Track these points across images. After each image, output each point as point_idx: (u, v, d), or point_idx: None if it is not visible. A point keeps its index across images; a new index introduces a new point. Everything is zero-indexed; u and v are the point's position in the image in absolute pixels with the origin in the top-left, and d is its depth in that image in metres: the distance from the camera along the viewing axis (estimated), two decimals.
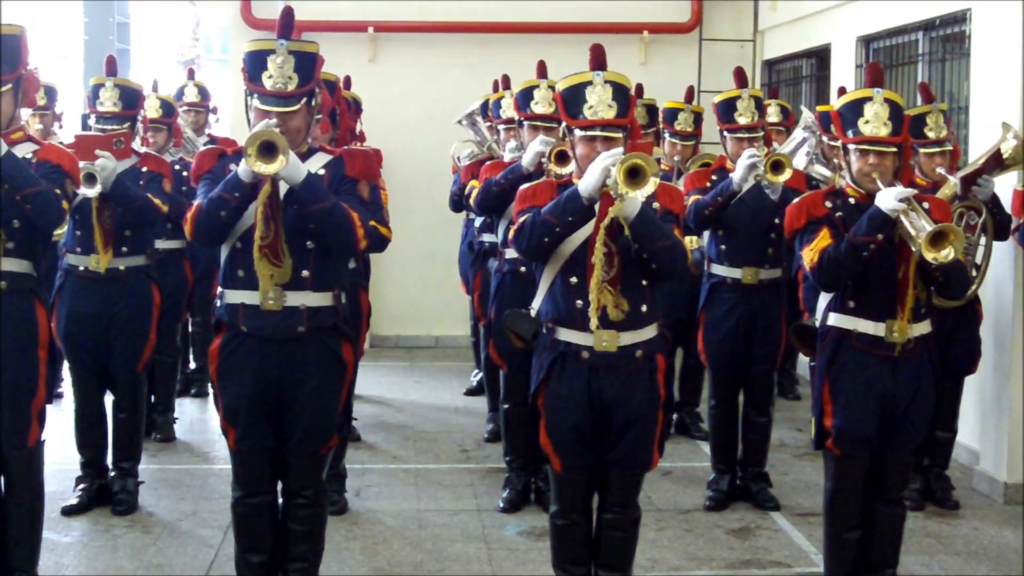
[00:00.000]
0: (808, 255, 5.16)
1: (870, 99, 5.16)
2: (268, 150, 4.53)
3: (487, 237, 8.13)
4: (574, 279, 4.77)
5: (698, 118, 8.59)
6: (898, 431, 5.27)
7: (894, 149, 5.16)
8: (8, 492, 5.32)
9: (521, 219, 4.79)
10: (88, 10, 12.61)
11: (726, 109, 7.05)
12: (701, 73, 12.04)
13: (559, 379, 4.83)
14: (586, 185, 4.61)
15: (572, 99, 4.81)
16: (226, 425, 4.99)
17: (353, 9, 12.02)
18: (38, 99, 7.56)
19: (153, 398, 8.19)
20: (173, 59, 30.19)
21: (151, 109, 7.93)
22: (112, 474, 6.88)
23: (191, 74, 10.23)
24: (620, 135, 4.78)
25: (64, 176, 5.27)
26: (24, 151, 5.23)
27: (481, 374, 9.46)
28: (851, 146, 5.20)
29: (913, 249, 4.98)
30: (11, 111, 5.24)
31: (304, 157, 4.86)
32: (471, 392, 10.04)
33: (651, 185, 4.48)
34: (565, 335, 4.81)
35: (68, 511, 6.71)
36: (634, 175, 4.48)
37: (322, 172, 4.91)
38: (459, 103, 9.64)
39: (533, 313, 4.94)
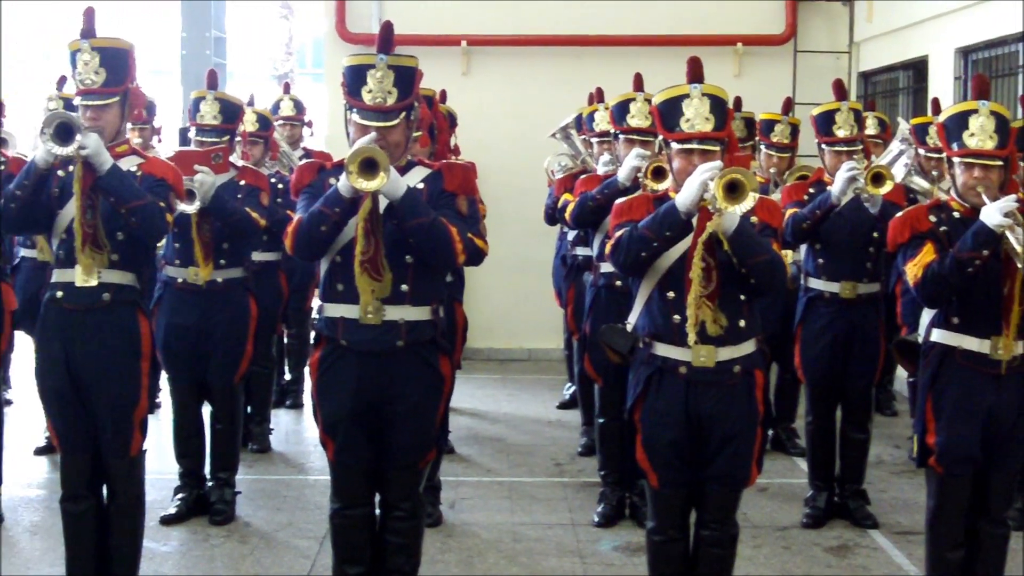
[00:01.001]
0: (912, 270, 5.07)
1: (975, 111, 5.06)
2: (369, 167, 4.55)
3: (581, 251, 8.12)
4: (671, 293, 4.74)
5: (795, 130, 8.51)
6: (1002, 449, 5.16)
7: (1000, 163, 5.05)
8: (111, 501, 5.40)
9: (618, 233, 4.77)
10: (186, 25, 12.78)
11: (824, 121, 6.97)
12: (796, 85, 11.94)
13: (656, 394, 4.81)
14: (684, 200, 4.58)
15: (669, 112, 4.79)
16: (325, 438, 5.01)
17: (447, 23, 12.08)
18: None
19: (249, 409, 8.26)
20: (266, 73, 30.57)
21: (248, 123, 8.00)
22: (210, 484, 6.96)
23: (287, 88, 10.35)
24: (717, 148, 4.74)
25: (168, 190, 5.34)
26: (129, 164, 5.31)
27: (574, 387, 9.44)
28: (956, 159, 5.10)
29: (1019, 265, 4.88)
30: (117, 125, 5.33)
31: (403, 171, 4.87)
32: (564, 405, 10.02)
33: (750, 200, 4.45)
34: (662, 350, 4.78)
35: (167, 520, 6.79)
36: (733, 190, 4.44)
37: (421, 186, 4.92)
38: (552, 116, 9.64)
39: (630, 328, 4.92)
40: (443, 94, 7.58)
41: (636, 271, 4.84)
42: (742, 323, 4.76)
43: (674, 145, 4.78)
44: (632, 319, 4.92)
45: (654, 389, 4.82)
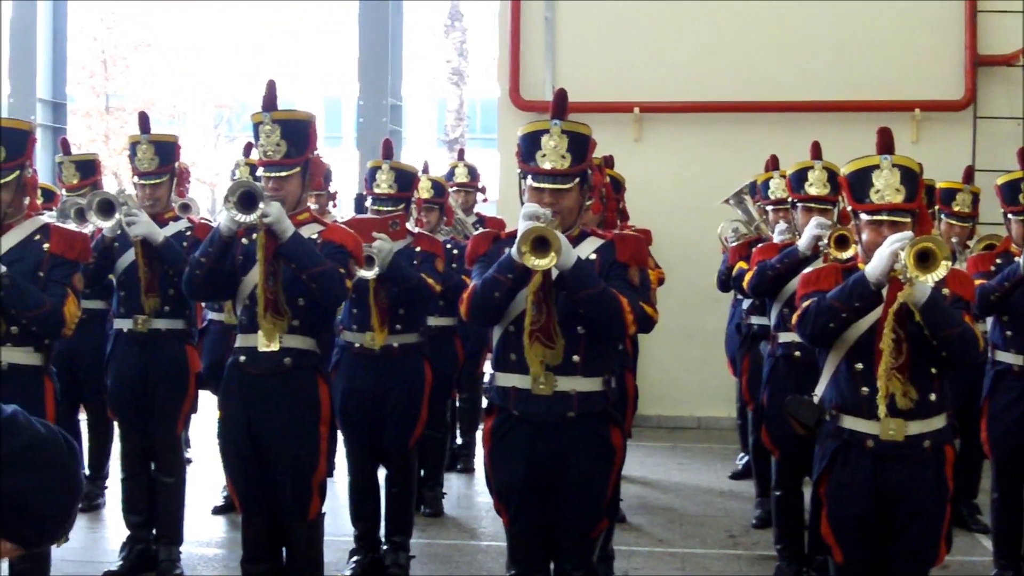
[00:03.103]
0: None
1: None
2: (541, 245, 4.56)
3: (756, 319, 8.01)
4: (860, 365, 4.64)
5: (975, 198, 8.29)
6: None
7: None
8: (289, 563, 5.48)
9: (805, 303, 4.70)
10: (364, 93, 13.06)
11: (1010, 191, 6.76)
12: (976, 151, 11.66)
13: (843, 468, 4.70)
14: (874, 270, 4.49)
15: (858, 183, 4.71)
16: (499, 506, 5.01)
17: (619, 90, 12.11)
18: None
19: (422, 473, 8.31)
20: (436, 137, 31.08)
21: (423, 190, 8.10)
22: (384, 547, 7.00)
23: (461, 155, 10.48)
24: (908, 220, 4.65)
25: (348, 256, 5.44)
26: (310, 231, 5.43)
27: (747, 457, 9.29)
28: None
29: None
30: (298, 193, 5.47)
31: (576, 241, 4.87)
32: (737, 476, 9.86)
33: (943, 268, 4.34)
34: (849, 423, 4.68)
35: None
36: (925, 259, 4.34)
37: (593, 257, 4.92)
38: (724, 183, 9.58)
39: (816, 399, 4.83)
40: (609, 159, 7.59)
41: (823, 342, 4.76)
42: (933, 397, 4.64)
43: (863, 216, 4.71)
44: (818, 391, 4.83)
45: (840, 463, 4.72)
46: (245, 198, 5.10)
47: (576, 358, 4.80)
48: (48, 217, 6.27)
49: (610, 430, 4.95)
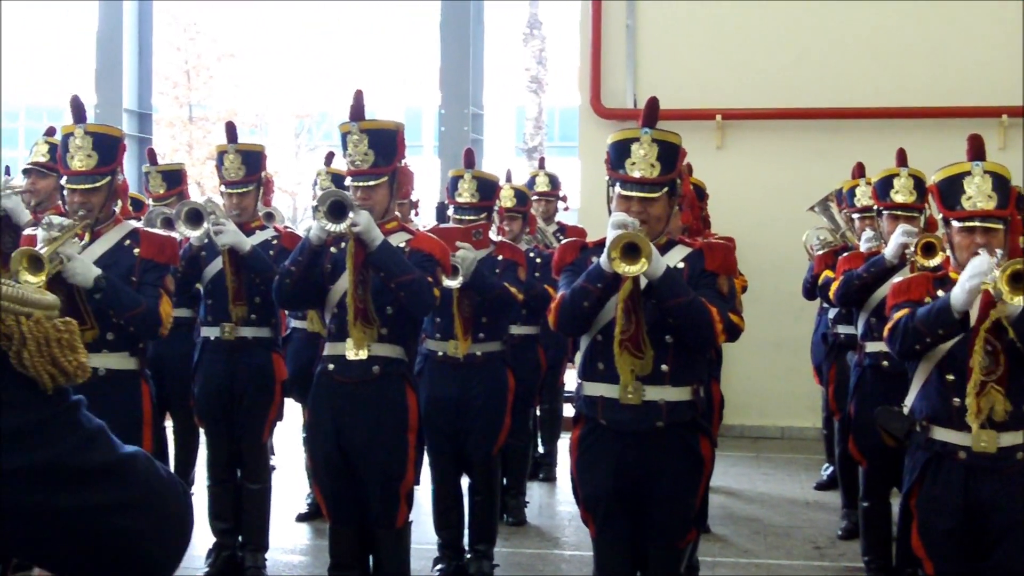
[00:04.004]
0: None
1: None
2: (631, 251, 4.54)
3: (843, 328, 7.93)
4: (951, 376, 4.58)
5: None
6: None
7: None
8: (376, 571, 5.53)
9: (896, 315, 4.65)
10: (445, 102, 13.11)
11: None
12: None
13: (933, 480, 4.65)
14: (958, 301, 4.44)
15: (949, 190, 4.66)
16: (586, 515, 5.01)
17: (701, 97, 12.04)
18: None
19: (505, 481, 8.31)
20: (515, 145, 31.11)
21: (506, 199, 8.10)
22: (468, 556, 7.01)
23: (542, 163, 10.48)
24: (1000, 226, 4.60)
25: (435, 265, 5.47)
26: (398, 240, 5.47)
27: (832, 468, 9.20)
28: None
29: None
30: (386, 203, 5.50)
31: (664, 250, 4.86)
32: (822, 486, 9.75)
33: None
34: (940, 434, 4.62)
35: None
36: (1019, 279, 4.26)
37: (682, 265, 4.90)
38: (809, 190, 9.50)
39: (906, 410, 4.77)
40: (689, 167, 7.54)
41: (913, 359, 4.71)
42: None
43: (954, 224, 4.65)
44: (908, 401, 4.78)
45: (931, 475, 4.66)
46: (335, 207, 5.14)
47: (665, 367, 4.79)
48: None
49: (699, 440, 4.93)
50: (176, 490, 1.76)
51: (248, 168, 6.87)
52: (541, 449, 9.93)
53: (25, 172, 7.36)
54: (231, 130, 7.00)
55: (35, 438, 1.54)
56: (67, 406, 1.60)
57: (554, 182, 10.07)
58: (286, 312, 8.04)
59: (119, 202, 5.71)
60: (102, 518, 1.61)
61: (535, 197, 9.64)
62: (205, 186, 28.17)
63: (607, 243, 4.59)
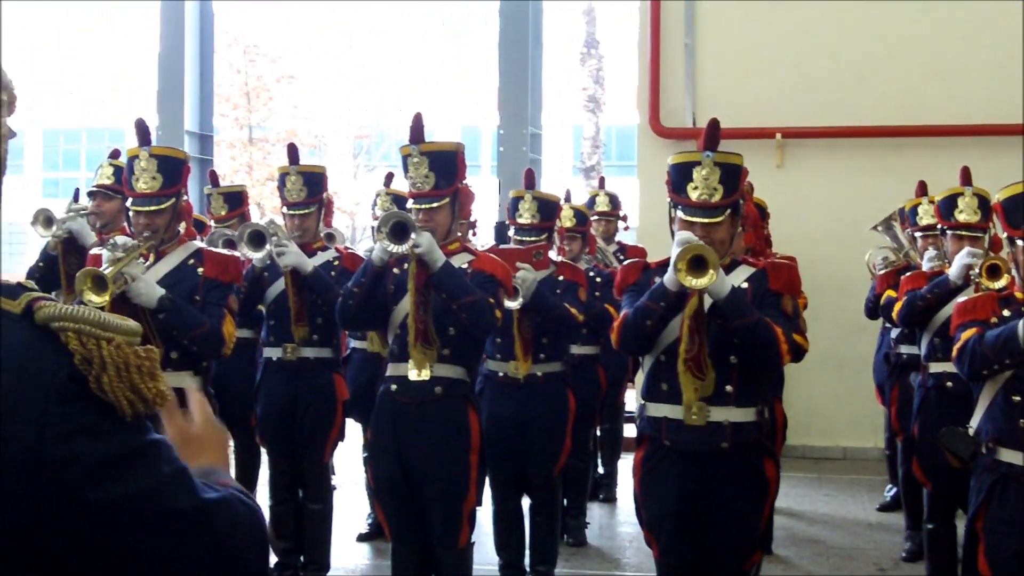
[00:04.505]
0: None
1: None
2: (698, 264, 4.53)
3: (906, 348, 7.86)
4: (1017, 397, 4.52)
5: None
6: None
7: None
8: None
9: (964, 336, 4.59)
10: (504, 122, 13.13)
11: None
12: None
13: (1001, 502, 4.58)
14: None
15: (1015, 209, 4.60)
16: (649, 537, 4.98)
17: (761, 116, 11.97)
18: None
19: (565, 502, 8.28)
20: (572, 165, 31.12)
21: (565, 219, 8.09)
22: None
23: (602, 183, 10.47)
24: None
25: (497, 286, 5.47)
26: (460, 261, 5.48)
27: (896, 489, 9.11)
28: None
29: None
30: (448, 224, 5.51)
31: (728, 270, 4.84)
32: (885, 508, 9.65)
33: None
34: (1007, 455, 4.56)
35: None
36: None
37: (746, 286, 4.88)
38: (871, 209, 9.44)
39: (971, 431, 4.71)
40: (750, 186, 7.51)
41: (981, 381, 4.65)
42: None
43: (1019, 243, 4.60)
44: (974, 422, 4.72)
45: (998, 497, 4.59)
46: (397, 228, 5.16)
47: (729, 388, 4.76)
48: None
49: (764, 461, 4.90)
50: (255, 538, 1.75)
51: (310, 190, 6.91)
52: (601, 469, 9.89)
53: (91, 194, 7.44)
54: (293, 152, 7.05)
55: (114, 471, 1.55)
56: (148, 442, 1.60)
57: (614, 202, 10.06)
58: (346, 332, 8.07)
59: (183, 223, 5.77)
60: (171, 564, 1.61)
61: (595, 217, 9.62)
62: (265, 207, 28.40)
63: (672, 259, 4.58)
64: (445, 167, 5.48)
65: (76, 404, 1.52)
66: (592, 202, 9.94)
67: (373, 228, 8.73)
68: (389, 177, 8.99)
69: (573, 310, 6.79)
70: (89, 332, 1.53)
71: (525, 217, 7.07)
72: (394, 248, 5.16)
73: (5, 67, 1.72)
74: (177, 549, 1.60)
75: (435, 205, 5.44)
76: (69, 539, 1.54)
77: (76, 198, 7.42)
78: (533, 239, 6.98)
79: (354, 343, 8.40)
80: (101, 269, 5.18)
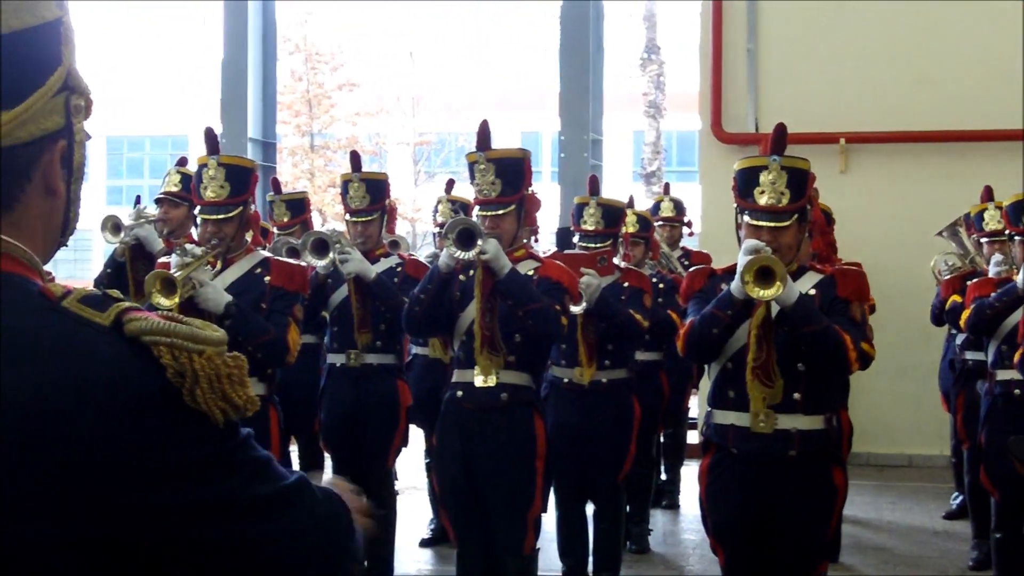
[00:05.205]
0: None
1: None
2: (766, 275, 4.51)
3: (971, 355, 7.78)
4: None
5: None
6: None
7: None
8: None
9: None
10: (565, 128, 13.12)
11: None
12: None
13: None
14: None
15: None
16: (715, 545, 4.96)
17: (824, 121, 11.89)
18: None
19: (628, 508, 8.25)
20: (632, 171, 31.06)
21: (629, 224, 8.07)
22: None
23: (666, 189, 10.46)
24: None
25: (563, 292, 5.47)
26: (526, 268, 5.48)
27: (962, 497, 9.01)
28: None
29: None
30: (514, 230, 5.52)
31: (795, 276, 4.81)
32: (951, 516, 9.55)
33: None
34: None
35: None
36: None
37: (813, 292, 4.85)
38: (936, 214, 9.36)
39: None
40: (816, 192, 7.46)
41: None
42: None
43: None
44: None
45: None
46: (464, 235, 5.17)
47: (797, 396, 4.74)
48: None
49: (832, 469, 4.86)
50: (340, 520, 1.78)
51: (372, 197, 6.94)
52: (664, 476, 9.86)
53: (158, 201, 7.50)
54: (356, 159, 7.08)
55: (209, 472, 1.57)
56: (239, 441, 1.62)
57: (679, 207, 10.03)
58: (408, 338, 8.10)
59: (251, 232, 5.81)
60: (264, 549, 1.63)
61: (659, 223, 9.60)
62: (326, 214, 28.55)
63: (739, 268, 4.56)
64: (511, 174, 5.49)
65: (170, 416, 1.53)
66: (656, 208, 9.92)
67: (435, 234, 8.80)
68: (450, 183, 9.02)
69: (638, 316, 6.76)
70: (181, 346, 1.54)
71: (590, 224, 7.05)
72: (461, 254, 5.17)
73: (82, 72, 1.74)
74: (270, 534, 1.62)
75: (501, 212, 5.45)
76: (168, 547, 1.56)
77: (138, 204, 7.48)
78: (598, 245, 6.96)
79: (416, 349, 8.42)
80: (171, 272, 5.22)
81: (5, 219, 1.64)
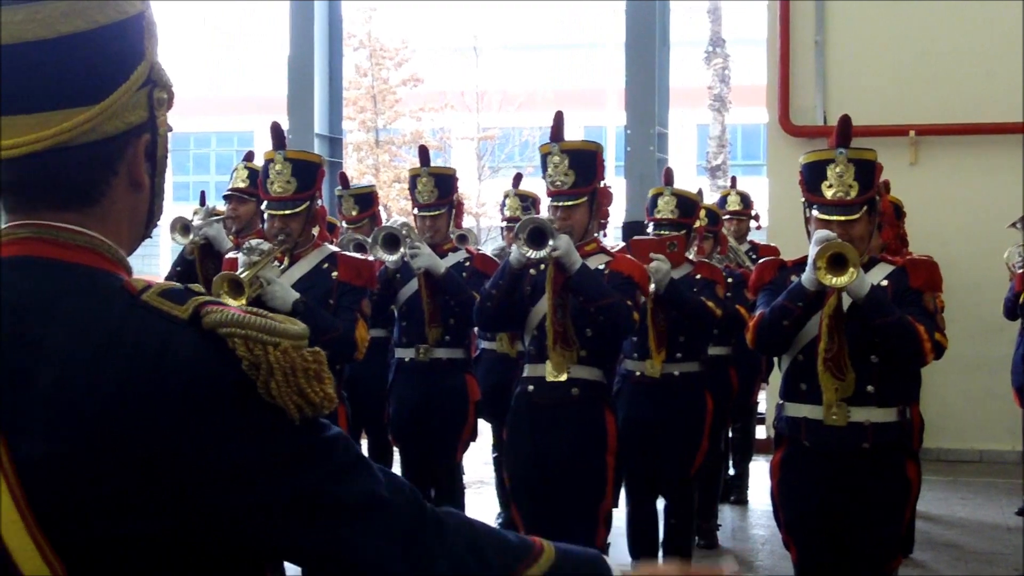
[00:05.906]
0: None
1: None
2: (838, 262, 4.47)
3: None
4: None
5: None
6: None
7: None
8: None
9: None
10: (631, 122, 13.07)
11: None
12: None
13: None
14: None
15: None
16: (788, 539, 4.93)
17: (894, 112, 11.77)
18: None
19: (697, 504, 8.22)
20: (697, 164, 30.92)
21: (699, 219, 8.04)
22: None
23: (734, 183, 10.43)
24: None
25: (635, 287, 5.44)
26: (597, 262, 5.47)
27: None
28: None
29: None
30: (585, 223, 5.51)
31: (866, 268, 4.77)
32: (1023, 512, 9.44)
33: None
34: None
35: None
36: None
37: (885, 283, 4.81)
38: (1009, 207, 9.27)
39: None
40: (886, 184, 7.38)
41: None
42: None
43: None
44: None
45: None
46: (535, 234, 5.17)
47: (870, 388, 4.70)
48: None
49: (905, 462, 4.82)
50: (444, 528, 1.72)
51: (440, 191, 6.96)
52: (732, 471, 9.80)
53: (226, 198, 7.56)
54: (424, 154, 7.10)
55: (285, 471, 1.55)
56: (320, 440, 1.60)
57: (746, 201, 9.98)
58: (475, 333, 8.11)
59: (317, 227, 5.83)
60: (351, 552, 1.61)
61: (727, 216, 9.56)
62: (391, 209, 28.64)
63: (810, 257, 4.53)
64: (585, 166, 5.47)
65: (244, 409, 1.54)
66: (724, 201, 9.88)
67: (501, 229, 8.80)
68: (518, 178, 9.02)
69: (711, 304, 6.68)
70: (256, 338, 1.53)
71: (664, 212, 6.99)
72: (533, 254, 5.16)
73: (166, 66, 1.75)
74: (358, 538, 1.60)
75: (572, 203, 5.44)
76: (245, 539, 1.57)
77: (203, 201, 7.53)
78: (672, 234, 6.91)
79: (483, 344, 8.43)
80: (237, 273, 5.25)
81: (91, 213, 1.66)
